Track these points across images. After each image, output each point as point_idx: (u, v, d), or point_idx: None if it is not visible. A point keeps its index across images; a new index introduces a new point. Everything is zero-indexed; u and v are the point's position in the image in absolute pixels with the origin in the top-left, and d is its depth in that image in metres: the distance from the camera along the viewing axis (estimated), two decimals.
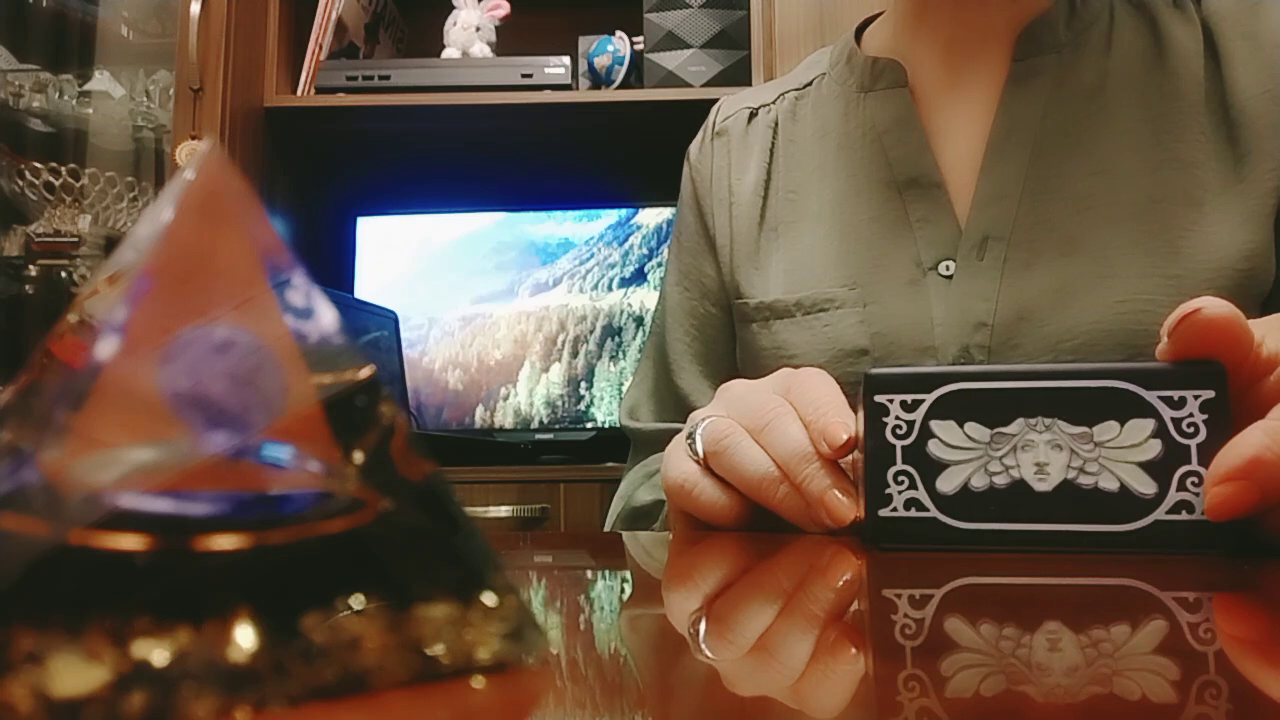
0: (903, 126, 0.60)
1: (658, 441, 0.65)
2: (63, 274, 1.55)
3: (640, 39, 1.54)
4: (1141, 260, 0.53)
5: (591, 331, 1.71)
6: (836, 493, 0.37)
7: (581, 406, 1.69)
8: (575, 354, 1.70)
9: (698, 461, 0.42)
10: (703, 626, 0.22)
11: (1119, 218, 0.54)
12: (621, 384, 1.65)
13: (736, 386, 0.44)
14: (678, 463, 0.44)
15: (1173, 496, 0.30)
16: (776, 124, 0.67)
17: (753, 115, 0.69)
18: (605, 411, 1.65)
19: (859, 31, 0.68)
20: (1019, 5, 0.59)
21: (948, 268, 0.56)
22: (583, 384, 1.69)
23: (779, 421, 0.40)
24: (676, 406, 0.67)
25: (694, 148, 0.72)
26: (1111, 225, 0.54)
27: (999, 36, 0.59)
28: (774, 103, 0.68)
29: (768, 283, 0.62)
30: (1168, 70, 0.56)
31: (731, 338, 0.66)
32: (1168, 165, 0.54)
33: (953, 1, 0.59)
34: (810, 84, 0.68)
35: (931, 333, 0.55)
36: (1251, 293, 0.53)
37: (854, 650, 0.19)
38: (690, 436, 0.43)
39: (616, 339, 1.69)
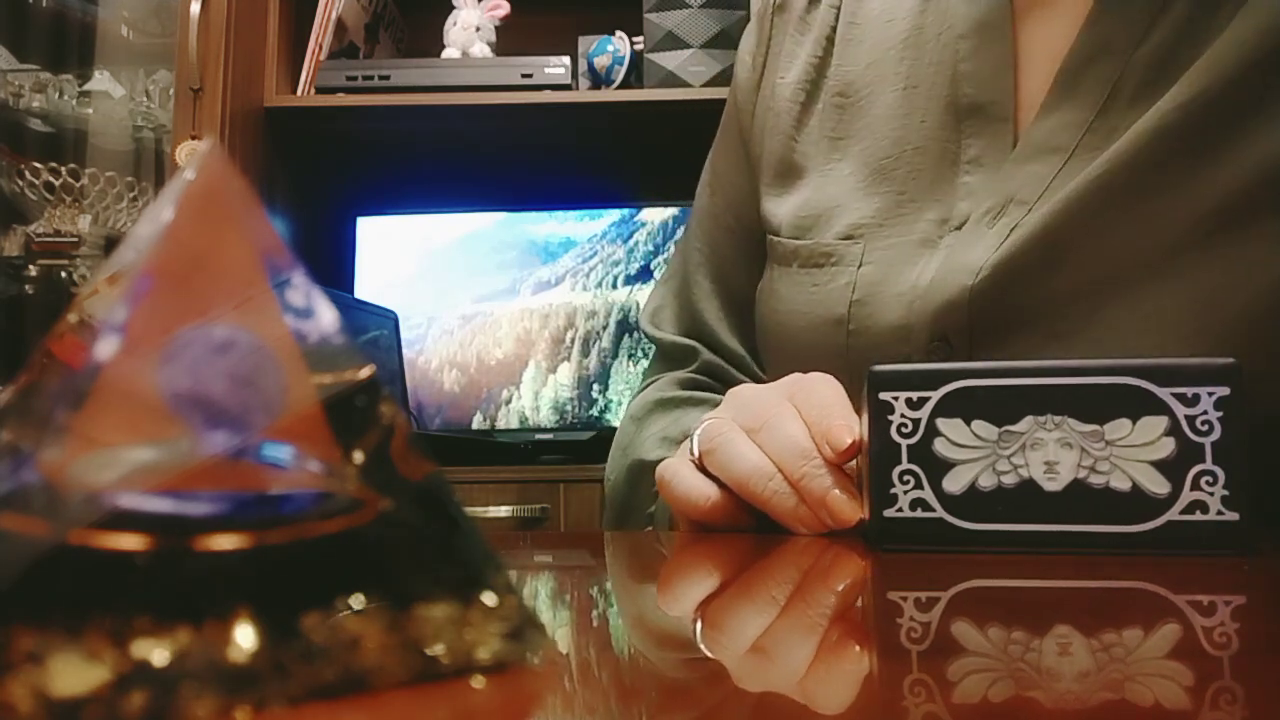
0: (986, 33, 0.48)
1: (678, 357, 0.63)
2: (63, 274, 1.55)
3: (640, 39, 1.54)
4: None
5: (605, 328, 1.61)
6: (838, 492, 0.36)
7: (595, 412, 1.59)
8: (586, 353, 1.61)
9: (694, 462, 0.42)
10: (704, 628, 0.22)
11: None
12: None
13: (743, 391, 0.44)
14: (670, 460, 0.43)
15: (1186, 496, 0.30)
16: (840, 9, 0.56)
17: None
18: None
19: None
20: None
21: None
22: (595, 385, 1.61)
23: (777, 420, 0.39)
24: (692, 320, 0.63)
25: (749, 31, 0.61)
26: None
27: None
28: None
29: (782, 216, 0.55)
30: None
31: (748, 259, 0.59)
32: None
33: None
34: None
35: (910, 308, 0.47)
36: None
37: (859, 654, 0.18)
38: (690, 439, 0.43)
39: (635, 334, 1.58)
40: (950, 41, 0.50)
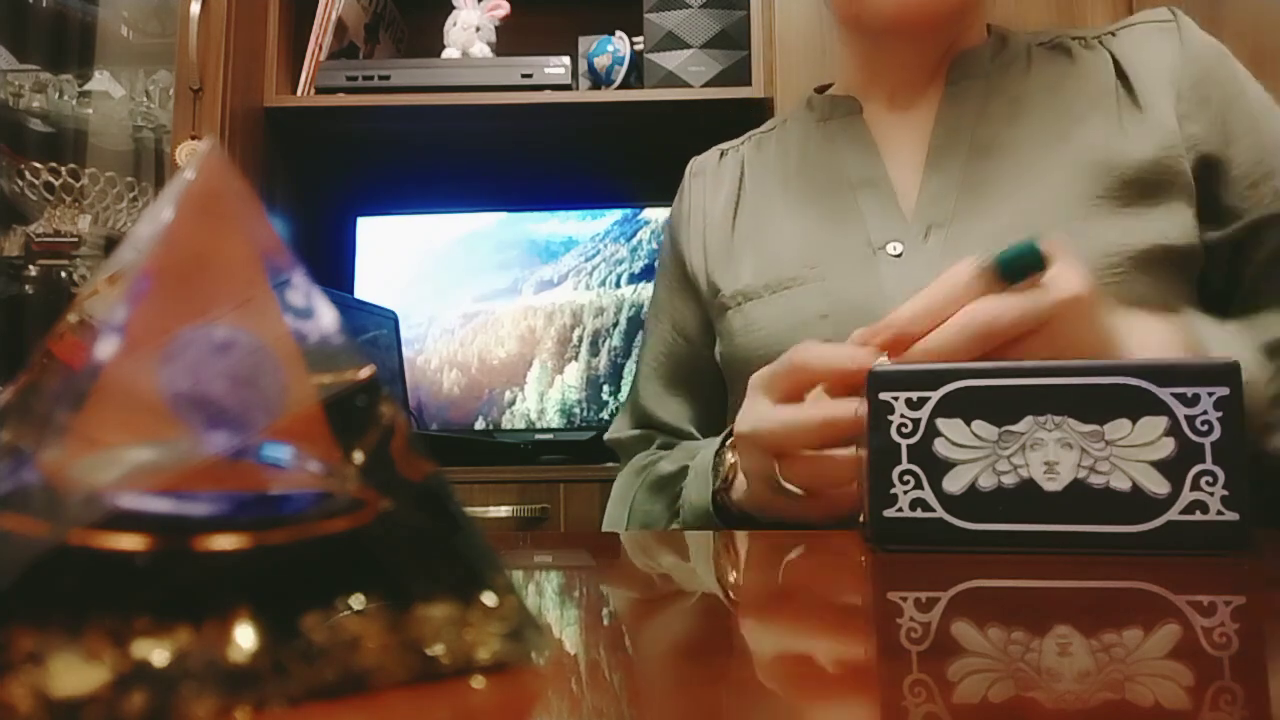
0: (854, 141, 0.71)
1: (634, 447, 0.77)
2: (63, 274, 1.55)
3: (640, 39, 1.54)
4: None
5: (615, 325, 1.58)
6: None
7: (605, 415, 1.54)
8: (595, 352, 1.58)
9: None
10: (704, 627, 0.22)
11: (1044, 206, 0.62)
12: None
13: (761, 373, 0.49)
14: (742, 417, 0.49)
15: (1186, 496, 0.30)
16: (744, 158, 0.78)
17: (723, 155, 0.81)
18: None
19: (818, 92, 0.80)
20: (953, 45, 0.70)
21: (895, 248, 0.64)
22: (606, 386, 1.58)
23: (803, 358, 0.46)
24: (646, 420, 0.78)
25: (676, 199, 0.81)
26: (1038, 212, 0.62)
27: (935, 69, 0.71)
28: (742, 144, 0.80)
29: (740, 274, 0.71)
30: (1079, 77, 0.67)
31: (698, 361, 0.75)
32: (1078, 152, 0.63)
33: (895, 57, 0.70)
34: (775, 128, 0.80)
35: (883, 306, 0.60)
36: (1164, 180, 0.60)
37: (858, 654, 0.18)
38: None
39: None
40: (834, 151, 0.72)
